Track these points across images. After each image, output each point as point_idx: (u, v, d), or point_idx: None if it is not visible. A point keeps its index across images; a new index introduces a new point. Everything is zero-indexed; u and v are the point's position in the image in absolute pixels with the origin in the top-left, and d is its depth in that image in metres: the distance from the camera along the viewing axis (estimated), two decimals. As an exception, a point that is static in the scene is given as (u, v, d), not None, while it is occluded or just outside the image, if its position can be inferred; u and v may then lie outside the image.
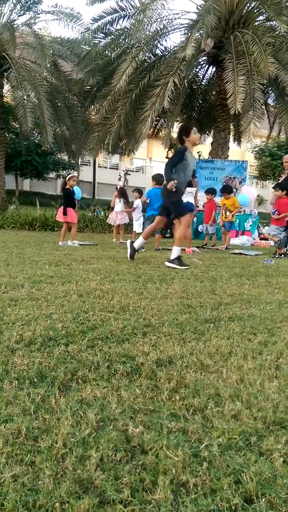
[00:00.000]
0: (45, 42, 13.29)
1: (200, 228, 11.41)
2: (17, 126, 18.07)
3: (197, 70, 14.21)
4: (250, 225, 11.56)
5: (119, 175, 15.40)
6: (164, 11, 11.78)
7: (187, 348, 1.66)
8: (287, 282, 3.63)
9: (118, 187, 8.85)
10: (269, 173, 26.40)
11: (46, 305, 2.27)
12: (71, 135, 15.34)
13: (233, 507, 0.78)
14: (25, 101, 12.80)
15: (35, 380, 1.29)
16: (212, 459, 0.92)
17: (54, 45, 14.20)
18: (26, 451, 0.92)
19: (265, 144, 23.13)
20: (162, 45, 12.79)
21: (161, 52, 12.75)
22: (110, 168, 31.53)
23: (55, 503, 0.76)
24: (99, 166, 24.67)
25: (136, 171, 31.42)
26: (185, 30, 11.47)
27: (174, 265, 4.34)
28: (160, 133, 15.21)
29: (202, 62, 13.62)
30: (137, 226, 8.98)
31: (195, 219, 10.86)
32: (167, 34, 12.38)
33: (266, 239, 9.69)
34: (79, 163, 20.99)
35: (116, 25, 12.64)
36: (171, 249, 4.63)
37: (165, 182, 4.77)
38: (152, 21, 11.68)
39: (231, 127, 14.03)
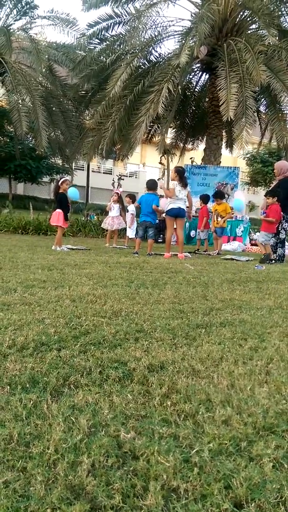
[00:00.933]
0: (41, 47, 13.34)
1: (192, 233, 11.47)
2: (11, 129, 18.06)
3: (191, 77, 14.35)
4: (242, 231, 11.66)
5: (113, 180, 15.43)
6: (159, 18, 11.94)
7: (178, 354, 1.67)
8: (277, 288, 3.67)
9: (119, 193, 8.85)
10: (261, 180, 26.72)
11: (39, 310, 2.26)
12: (65, 140, 15.35)
13: (223, 512, 0.79)
14: (20, 105, 12.81)
15: (27, 385, 1.29)
16: (202, 464, 0.93)
17: (49, 50, 14.26)
18: (18, 457, 0.92)
19: (256, 151, 23.37)
20: (157, 51, 12.94)
21: (156, 59, 12.85)
22: (103, 173, 31.54)
23: (46, 509, 0.77)
24: (92, 171, 24.63)
25: (129, 176, 31.49)
26: (179, 37, 11.58)
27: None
28: (154, 138, 15.31)
29: (195, 69, 13.77)
30: (130, 232, 9.00)
31: (187, 224, 10.93)
32: (161, 41, 12.51)
33: (257, 245, 9.79)
34: (73, 167, 20.97)
35: (111, 31, 12.74)
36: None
37: None
38: (147, 28, 11.81)
39: (224, 133, 14.17)
